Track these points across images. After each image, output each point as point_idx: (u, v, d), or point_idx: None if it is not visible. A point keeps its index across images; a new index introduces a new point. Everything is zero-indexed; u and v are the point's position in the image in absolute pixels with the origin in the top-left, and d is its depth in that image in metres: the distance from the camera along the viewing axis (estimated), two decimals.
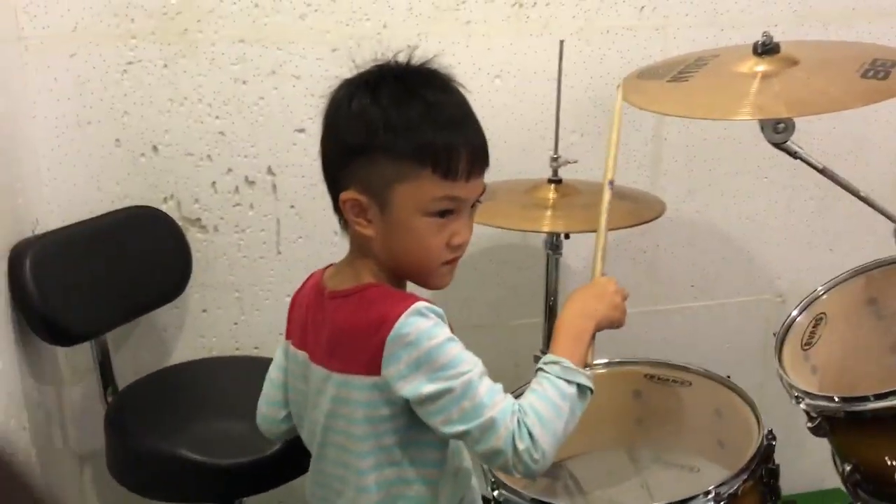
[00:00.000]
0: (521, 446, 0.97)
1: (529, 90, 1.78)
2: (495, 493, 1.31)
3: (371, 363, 1.00)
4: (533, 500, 1.28)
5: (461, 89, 1.06)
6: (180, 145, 1.67)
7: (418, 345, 0.97)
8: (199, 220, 1.71)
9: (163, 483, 1.43)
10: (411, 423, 1.03)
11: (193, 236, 1.71)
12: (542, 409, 1.00)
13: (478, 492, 1.20)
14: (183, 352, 1.76)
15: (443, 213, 1.02)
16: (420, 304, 1.00)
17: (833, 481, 1.91)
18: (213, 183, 1.70)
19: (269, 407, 1.21)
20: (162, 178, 1.68)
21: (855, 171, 1.50)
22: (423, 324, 0.98)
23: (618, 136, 1.30)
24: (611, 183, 1.26)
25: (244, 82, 1.66)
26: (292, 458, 1.43)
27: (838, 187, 1.49)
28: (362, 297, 1.04)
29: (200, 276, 1.73)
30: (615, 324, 1.13)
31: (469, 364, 0.99)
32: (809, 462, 1.80)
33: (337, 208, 1.06)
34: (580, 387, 1.03)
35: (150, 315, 1.71)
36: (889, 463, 1.18)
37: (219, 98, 1.66)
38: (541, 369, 1.05)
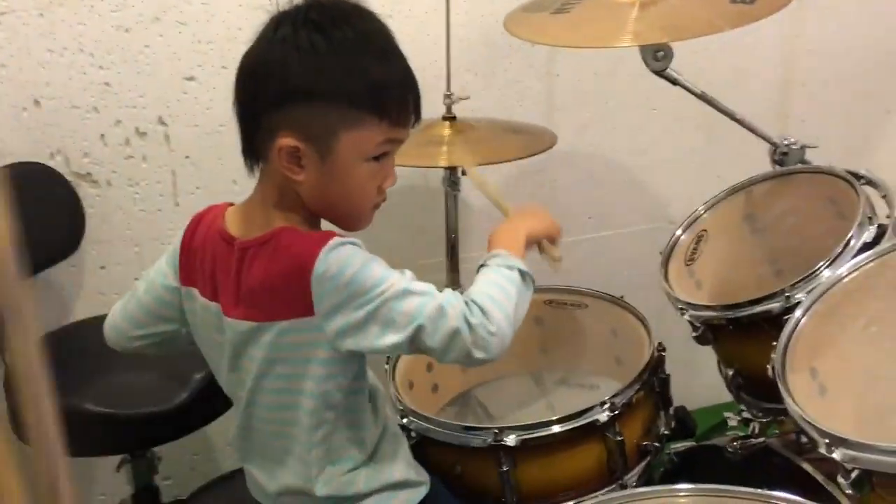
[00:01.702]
0: (474, 321, 1.00)
1: (422, 30, 1.78)
2: (405, 420, 1.34)
3: (301, 305, 0.99)
4: (442, 422, 1.32)
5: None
6: (64, 98, 1.62)
7: (342, 275, 0.98)
8: (89, 174, 1.67)
9: (71, 438, 1.42)
10: (351, 365, 1.05)
11: (85, 191, 1.67)
12: (489, 290, 1.03)
13: (394, 419, 1.23)
14: (83, 310, 1.73)
15: (379, 157, 1.03)
16: (335, 239, 1.00)
17: (726, 395, 2.05)
18: (102, 136, 1.66)
19: (125, 321, 1.18)
20: (47, 133, 1.63)
21: (738, 99, 1.57)
22: (340, 255, 0.99)
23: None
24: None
25: (127, 30, 1.61)
26: (200, 407, 1.44)
27: (721, 118, 1.56)
28: (277, 244, 1.02)
29: (95, 232, 1.70)
30: (547, 232, 1.20)
31: (396, 275, 1.01)
32: (706, 378, 1.90)
33: (249, 150, 1.03)
34: (521, 272, 1.07)
35: (46, 275, 1.67)
36: (764, 360, 1.26)
37: (101, 47, 1.61)
38: (482, 264, 1.09)
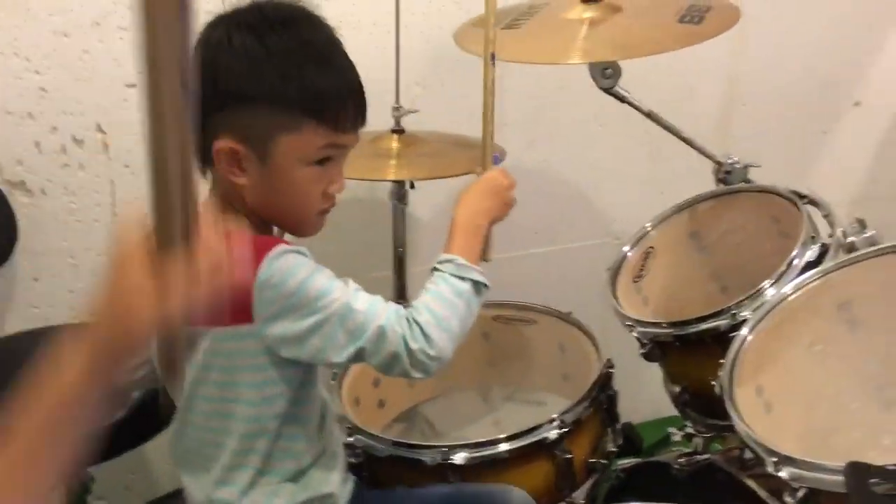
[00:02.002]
0: (414, 346, 0.99)
1: (370, 42, 1.76)
2: (352, 438, 1.32)
3: (242, 312, 0.98)
4: (389, 440, 1.30)
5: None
6: None
7: (285, 284, 0.96)
8: (23, 182, 1.60)
9: None
10: (290, 374, 1.02)
11: (17, 200, 1.60)
12: (435, 307, 1.01)
13: (338, 439, 1.21)
14: (14, 323, 1.66)
15: (322, 162, 1.01)
16: (282, 246, 0.98)
17: (670, 409, 2.07)
18: (37, 143, 1.60)
19: None
20: None
21: (680, 119, 1.59)
22: (285, 263, 0.97)
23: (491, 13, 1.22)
24: (493, 57, 1.19)
25: (65, 35, 1.56)
26: (136, 424, 1.38)
27: (666, 135, 1.58)
28: None
29: (28, 242, 1.63)
30: (503, 217, 1.17)
31: (340, 288, 0.99)
32: (651, 392, 1.92)
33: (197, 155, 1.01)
34: (475, 283, 1.05)
35: None
36: (710, 376, 1.27)
37: (38, 52, 1.55)
38: (435, 268, 1.07)
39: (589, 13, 1.42)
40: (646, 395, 1.92)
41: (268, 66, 0.96)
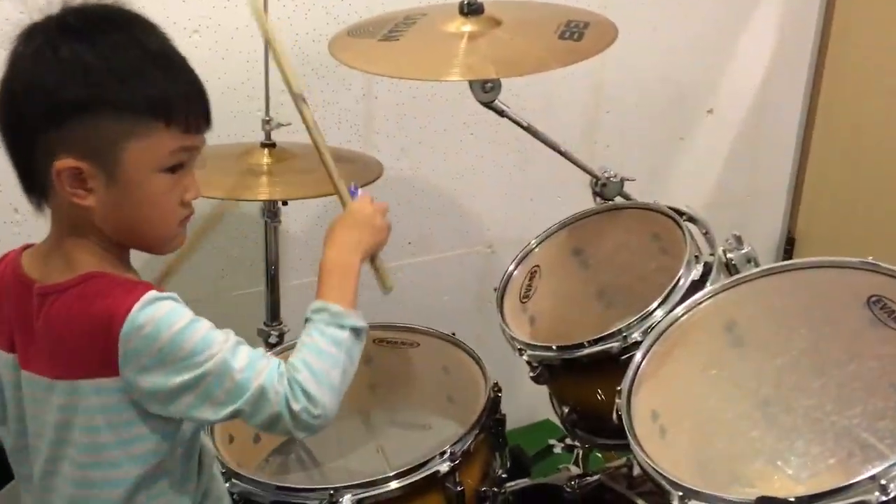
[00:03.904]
0: (296, 407, 0.92)
1: (233, 47, 1.65)
2: (227, 484, 1.22)
3: (104, 364, 0.89)
4: (268, 485, 1.21)
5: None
6: None
7: (158, 335, 0.88)
8: None
9: None
10: (161, 428, 0.94)
11: None
12: (314, 363, 0.95)
13: (220, 480, 1.14)
14: None
15: (174, 168, 0.93)
16: (152, 293, 0.89)
17: (542, 414, 2.08)
18: None
19: None
20: None
21: (548, 127, 1.58)
22: (158, 312, 0.88)
23: (279, 48, 1.14)
24: (303, 98, 1.13)
25: None
26: None
27: (535, 142, 1.57)
28: (84, 291, 0.90)
29: None
30: (381, 245, 1.11)
31: (219, 342, 0.91)
32: (522, 399, 1.92)
33: (29, 181, 0.92)
34: (354, 329, 0.99)
35: None
36: (600, 399, 1.27)
37: None
38: (309, 319, 0.99)
39: (469, 26, 1.38)
40: (518, 399, 1.93)
41: (106, 71, 0.88)
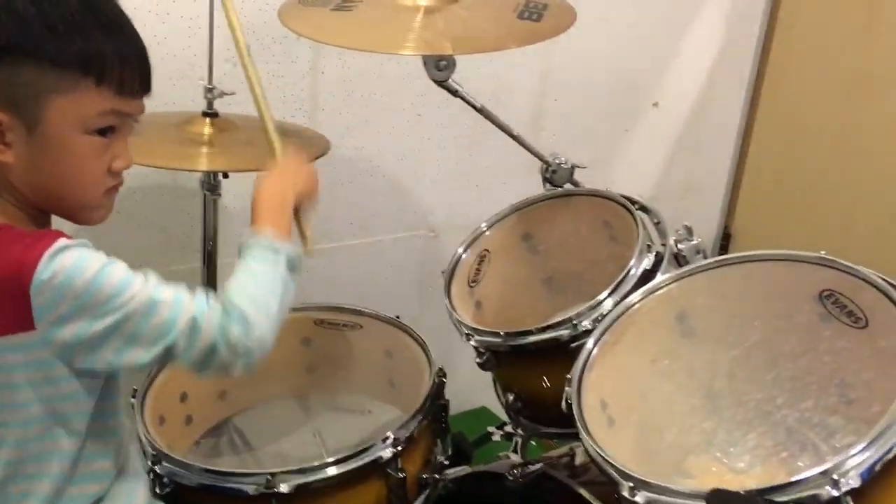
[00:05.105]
0: (234, 333, 0.88)
1: (174, 10, 1.58)
2: (156, 466, 1.16)
3: (17, 318, 0.84)
4: (201, 469, 1.16)
5: None
6: None
7: (71, 283, 0.83)
8: None
9: None
10: (92, 385, 0.90)
11: None
12: (251, 288, 0.91)
13: (139, 460, 1.10)
14: None
15: (104, 132, 0.89)
16: (61, 241, 0.85)
17: (480, 400, 2.06)
18: None
19: None
20: None
21: (497, 111, 1.55)
22: (68, 259, 0.84)
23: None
24: (248, 49, 1.12)
25: None
26: None
27: (482, 127, 1.53)
28: None
29: None
30: (311, 196, 1.08)
31: (139, 281, 0.87)
32: (459, 385, 1.89)
33: None
34: (289, 258, 0.95)
35: None
36: (546, 386, 1.25)
37: None
38: (244, 245, 0.96)
39: (425, 1, 1.33)
40: (455, 384, 1.91)
41: (36, 18, 0.84)
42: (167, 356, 0.89)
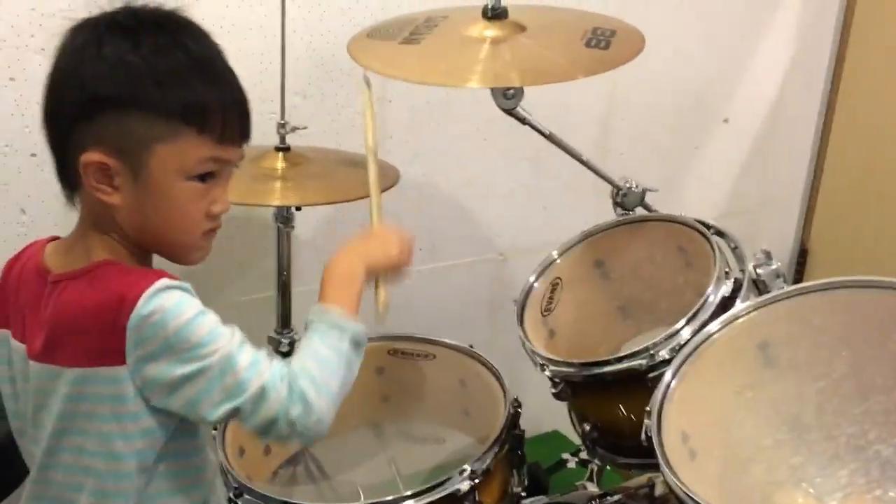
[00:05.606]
0: (294, 413, 0.89)
1: (246, 48, 1.61)
2: (239, 500, 1.18)
3: (111, 351, 0.87)
4: (279, 501, 1.18)
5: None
6: None
7: (164, 324, 0.86)
8: None
9: None
10: (167, 424, 0.92)
11: None
12: (314, 370, 0.92)
13: (222, 491, 1.11)
14: None
15: (204, 178, 0.92)
16: (164, 280, 0.88)
17: (550, 425, 2.04)
18: None
19: None
20: None
21: (561, 134, 1.54)
22: (167, 301, 0.87)
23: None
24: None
25: None
26: None
27: (549, 150, 1.52)
28: (94, 277, 0.90)
29: None
30: (393, 264, 1.08)
31: (225, 337, 0.89)
32: (530, 411, 1.88)
33: (62, 172, 0.93)
34: (355, 337, 0.96)
35: None
36: (624, 416, 1.23)
37: None
38: (311, 322, 0.97)
39: (492, 31, 1.34)
40: (530, 409, 1.90)
41: (144, 71, 0.88)
42: (232, 416, 0.91)
